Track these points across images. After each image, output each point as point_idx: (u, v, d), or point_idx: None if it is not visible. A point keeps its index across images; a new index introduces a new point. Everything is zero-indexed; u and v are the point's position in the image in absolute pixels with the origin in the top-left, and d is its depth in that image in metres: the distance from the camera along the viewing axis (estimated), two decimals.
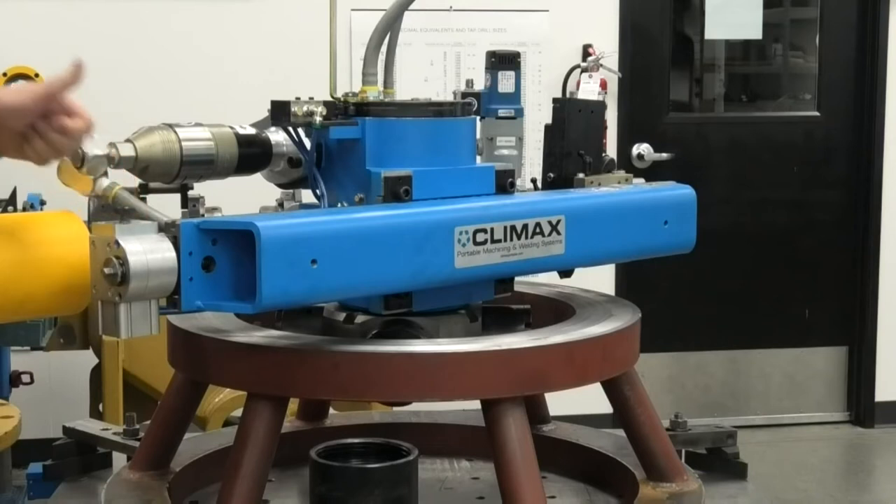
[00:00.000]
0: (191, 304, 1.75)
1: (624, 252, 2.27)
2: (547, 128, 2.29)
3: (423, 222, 1.92)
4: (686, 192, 2.29)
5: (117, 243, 1.69)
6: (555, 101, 2.31)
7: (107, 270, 1.69)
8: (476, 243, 1.95)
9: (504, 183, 2.10)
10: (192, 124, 1.97)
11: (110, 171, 1.89)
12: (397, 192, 1.96)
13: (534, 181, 2.29)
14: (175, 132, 1.92)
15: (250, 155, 2.02)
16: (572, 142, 2.27)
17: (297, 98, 1.98)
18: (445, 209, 1.96)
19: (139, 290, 1.70)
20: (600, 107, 2.37)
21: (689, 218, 2.28)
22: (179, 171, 1.93)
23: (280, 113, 1.96)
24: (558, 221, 2.05)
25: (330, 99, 2.03)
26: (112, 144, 1.86)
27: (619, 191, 2.24)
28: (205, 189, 2.04)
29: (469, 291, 2.08)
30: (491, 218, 1.98)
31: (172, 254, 1.72)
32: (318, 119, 1.96)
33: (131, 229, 1.72)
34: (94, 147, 1.85)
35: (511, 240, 1.99)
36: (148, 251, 1.70)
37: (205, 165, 1.95)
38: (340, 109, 2.02)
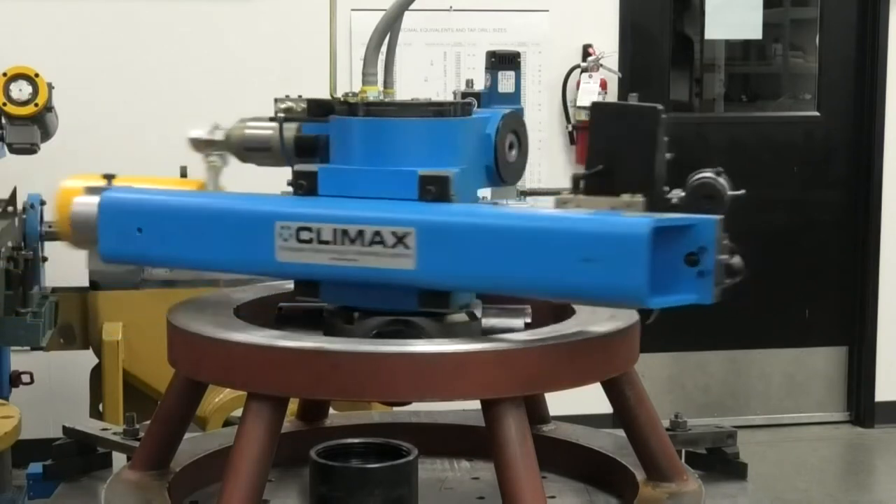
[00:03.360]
0: None
1: (515, 285, 1.93)
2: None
3: (238, 211, 2.03)
4: (635, 228, 1.79)
5: None
6: (591, 105, 2.11)
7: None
8: (300, 241, 1.96)
9: (429, 188, 1.97)
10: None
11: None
12: (302, 185, 2.03)
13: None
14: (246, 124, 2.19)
15: (303, 147, 2.16)
16: (596, 154, 2.00)
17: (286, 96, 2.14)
18: (268, 203, 2.03)
19: None
20: (647, 113, 1.98)
21: (632, 260, 1.78)
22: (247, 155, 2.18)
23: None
24: (405, 234, 1.92)
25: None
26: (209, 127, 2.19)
27: (521, 213, 1.96)
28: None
29: (388, 296, 2.01)
30: (318, 219, 1.96)
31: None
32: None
33: None
34: (195, 131, 2.20)
35: (343, 244, 1.94)
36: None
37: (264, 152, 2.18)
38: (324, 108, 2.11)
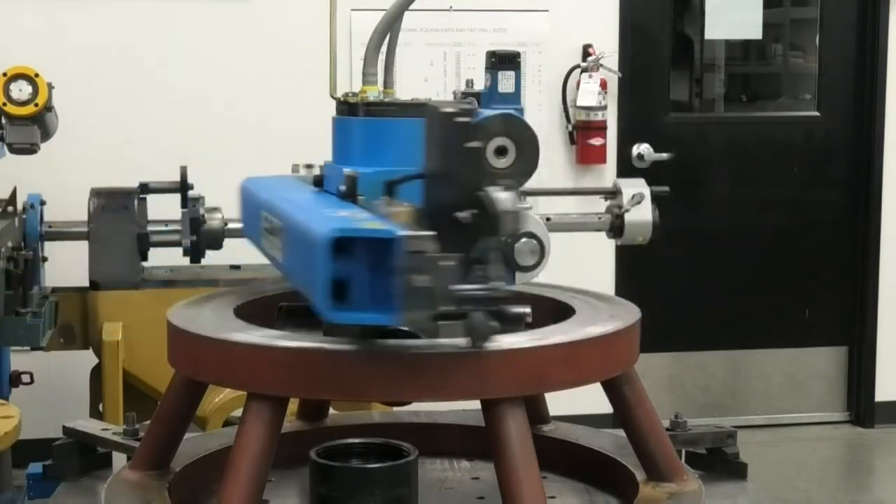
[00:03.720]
0: None
1: (300, 285, 1.96)
2: None
3: (253, 199, 2.28)
4: (319, 232, 1.70)
5: None
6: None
7: None
8: (264, 229, 2.15)
9: (341, 187, 2.01)
10: None
11: None
12: (313, 180, 2.30)
13: None
14: None
15: None
16: (426, 158, 1.89)
17: None
18: (262, 193, 2.24)
19: None
20: (443, 118, 1.82)
21: (317, 267, 1.68)
22: None
23: None
24: (279, 228, 2.04)
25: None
26: None
27: (303, 209, 1.98)
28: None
29: None
30: (267, 209, 2.13)
31: None
32: None
33: None
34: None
35: (272, 235, 2.10)
36: None
37: None
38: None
